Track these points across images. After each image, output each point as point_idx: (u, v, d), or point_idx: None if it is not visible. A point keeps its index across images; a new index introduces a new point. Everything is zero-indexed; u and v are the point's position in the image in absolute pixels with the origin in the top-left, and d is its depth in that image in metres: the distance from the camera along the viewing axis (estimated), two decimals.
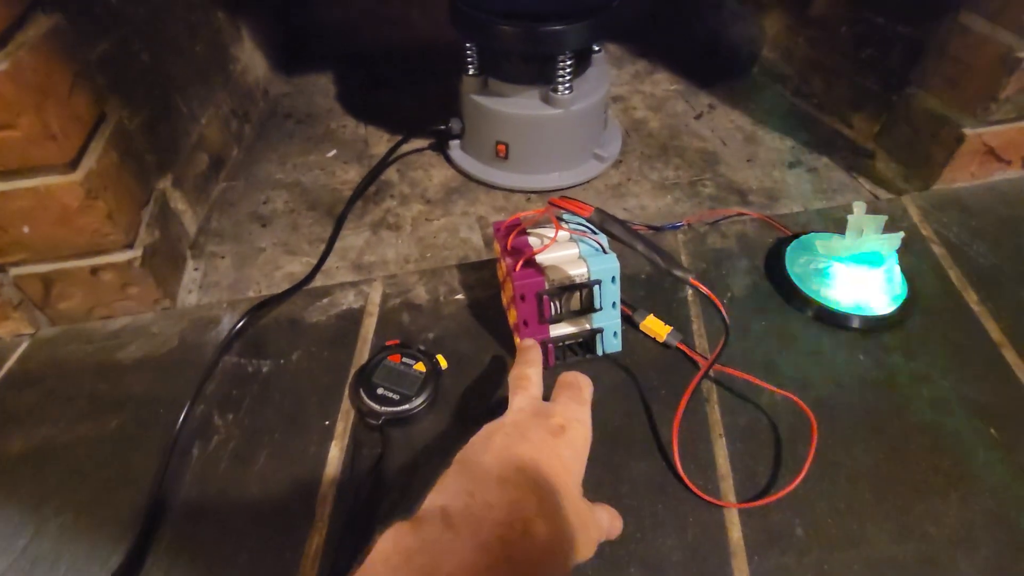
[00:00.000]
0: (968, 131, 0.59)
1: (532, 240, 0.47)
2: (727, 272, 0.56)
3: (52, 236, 0.46)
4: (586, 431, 0.32)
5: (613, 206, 0.68)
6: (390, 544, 0.25)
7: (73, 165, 0.43)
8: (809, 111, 0.80)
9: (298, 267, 0.61)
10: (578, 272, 0.45)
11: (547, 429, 0.30)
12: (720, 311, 0.40)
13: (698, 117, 0.81)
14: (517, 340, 0.47)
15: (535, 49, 0.60)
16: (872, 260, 0.50)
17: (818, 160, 0.73)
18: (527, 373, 0.36)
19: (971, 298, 0.53)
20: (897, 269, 0.51)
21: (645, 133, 0.78)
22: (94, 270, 0.49)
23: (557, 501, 0.27)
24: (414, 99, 0.86)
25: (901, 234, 0.49)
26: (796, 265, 0.54)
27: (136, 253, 0.49)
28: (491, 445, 0.29)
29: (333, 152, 0.76)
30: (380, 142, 0.78)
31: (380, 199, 0.69)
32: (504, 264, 0.47)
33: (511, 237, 0.47)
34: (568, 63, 0.61)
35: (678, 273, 0.39)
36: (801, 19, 0.80)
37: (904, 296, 0.51)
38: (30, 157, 0.41)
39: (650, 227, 0.62)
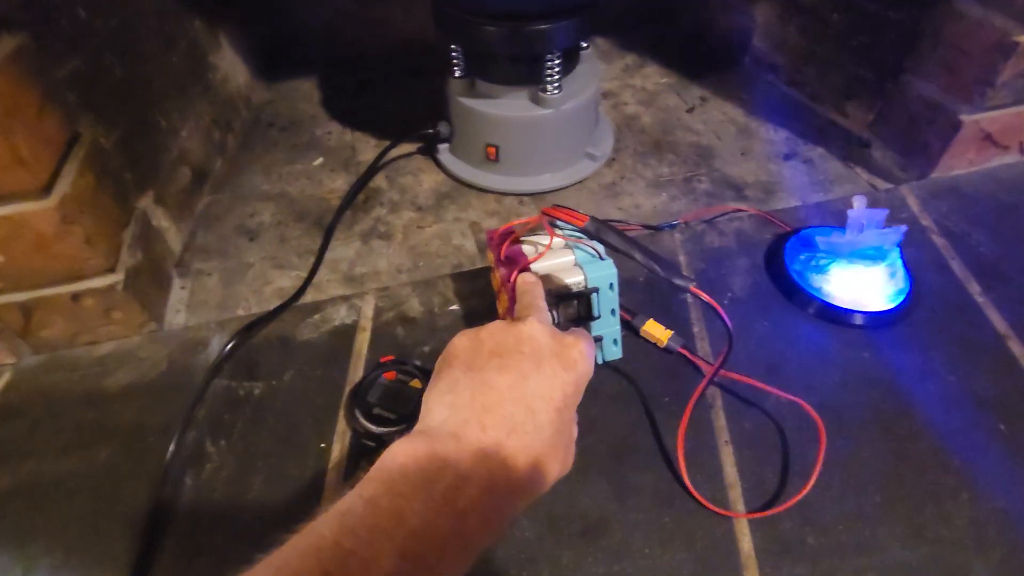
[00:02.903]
0: (965, 117, 0.58)
1: (526, 248, 0.46)
2: (726, 271, 0.55)
3: (29, 264, 0.44)
4: (591, 364, 0.33)
5: (607, 206, 0.66)
6: (412, 459, 0.25)
7: (46, 190, 0.41)
8: (803, 100, 0.79)
9: (288, 281, 0.59)
10: (575, 280, 0.44)
11: (562, 363, 0.30)
12: (722, 318, 0.39)
13: (690, 111, 0.80)
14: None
15: (521, 49, 0.59)
16: (874, 255, 0.49)
17: (813, 151, 0.72)
18: (536, 303, 0.36)
19: (974, 289, 0.52)
20: (899, 263, 0.50)
21: (637, 129, 0.77)
22: (75, 296, 0.48)
23: (559, 441, 0.29)
24: (400, 102, 0.84)
25: (903, 228, 0.48)
26: (796, 262, 0.53)
27: (118, 277, 0.48)
28: (508, 370, 0.29)
29: (319, 160, 0.75)
30: (367, 148, 0.76)
31: (370, 207, 0.67)
32: (498, 274, 0.46)
33: (504, 246, 0.46)
34: (556, 62, 0.60)
35: (678, 281, 0.38)
36: (792, 7, 0.78)
37: (907, 290, 0.50)
38: (0, 184, 0.40)
39: (646, 227, 0.60)
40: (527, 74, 0.62)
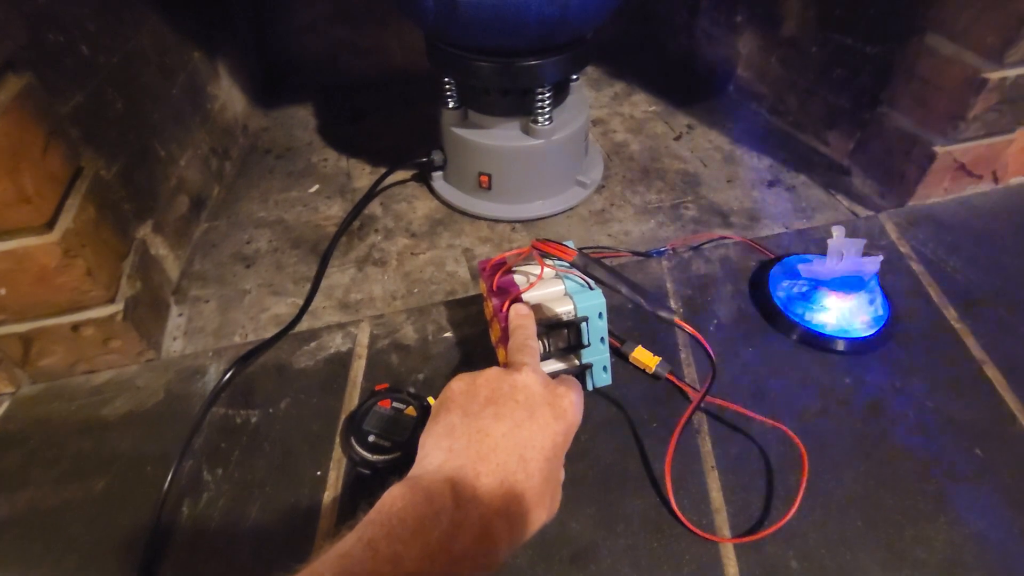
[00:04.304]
0: (939, 149, 0.61)
1: (518, 279, 0.47)
2: (712, 298, 0.56)
3: (30, 296, 0.45)
4: (580, 415, 0.34)
5: (597, 232, 0.68)
6: (409, 506, 0.26)
7: (49, 225, 0.42)
8: (785, 129, 0.82)
9: (284, 308, 0.60)
10: (564, 310, 0.45)
11: (553, 413, 0.32)
12: (706, 349, 0.41)
13: (677, 138, 0.82)
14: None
15: (513, 84, 0.61)
16: (853, 283, 0.51)
17: (796, 178, 0.74)
18: (528, 343, 0.37)
19: (951, 315, 0.54)
20: (878, 291, 0.52)
21: (626, 156, 0.79)
22: (75, 326, 0.48)
23: (547, 489, 0.30)
24: (395, 129, 0.86)
25: (880, 257, 0.50)
26: (779, 289, 0.54)
27: (118, 307, 0.49)
28: (502, 419, 0.30)
29: (315, 187, 0.76)
30: (362, 175, 0.78)
31: (364, 234, 0.69)
32: (491, 304, 0.47)
33: (497, 277, 0.47)
34: (547, 95, 0.62)
35: (663, 315, 0.39)
36: (773, 40, 0.81)
37: (886, 317, 0.52)
38: (4, 221, 0.41)
39: (635, 253, 0.62)
40: (518, 106, 0.64)
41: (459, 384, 0.33)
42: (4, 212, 0.40)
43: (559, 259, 0.41)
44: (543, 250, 0.41)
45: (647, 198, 0.72)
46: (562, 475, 0.33)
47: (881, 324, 0.51)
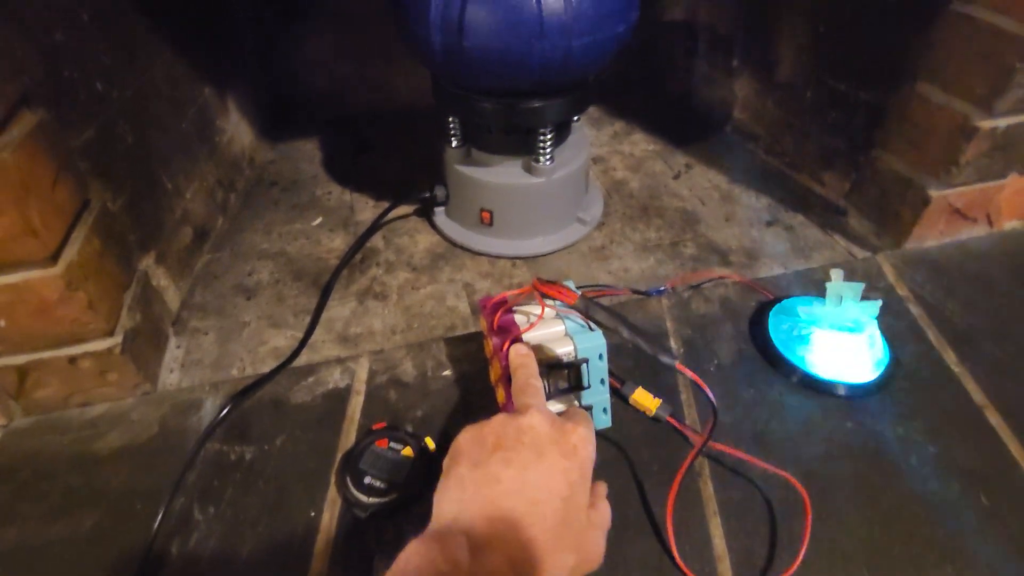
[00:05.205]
0: (933, 192, 0.62)
1: (518, 318, 0.47)
2: (712, 338, 0.56)
3: (29, 328, 0.45)
4: (593, 452, 0.34)
5: (597, 269, 0.68)
6: (423, 562, 0.26)
7: (53, 258, 0.43)
8: (782, 169, 0.83)
9: (283, 341, 0.60)
10: (565, 351, 0.45)
11: (561, 451, 0.32)
12: (706, 393, 0.41)
13: (676, 177, 0.83)
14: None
15: (515, 124, 0.62)
16: (853, 326, 0.51)
17: (794, 218, 0.75)
18: (531, 382, 0.38)
19: (950, 358, 0.54)
20: (877, 334, 0.52)
21: (626, 194, 0.80)
22: (72, 359, 0.48)
23: (567, 531, 0.30)
24: (398, 163, 0.88)
25: (879, 302, 0.50)
26: (779, 331, 0.55)
27: (116, 340, 0.49)
28: (511, 463, 0.30)
29: (319, 220, 0.77)
30: (365, 208, 0.79)
31: (366, 267, 0.69)
32: (491, 343, 0.47)
33: (497, 316, 0.47)
34: (548, 135, 0.63)
35: (664, 359, 0.39)
36: (768, 83, 0.84)
37: (886, 360, 0.52)
38: (9, 253, 0.41)
39: (635, 291, 0.62)
40: (521, 144, 0.65)
41: (466, 436, 0.33)
42: (9, 244, 0.40)
43: (560, 301, 0.41)
44: (545, 292, 0.41)
45: (646, 235, 0.73)
46: (595, 516, 0.33)
47: (882, 368, 0.51)
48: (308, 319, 0.61)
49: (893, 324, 0.57)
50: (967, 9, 0.54)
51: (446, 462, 0.33)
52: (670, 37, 0.97)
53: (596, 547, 0.32)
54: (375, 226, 0.72)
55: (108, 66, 0.55)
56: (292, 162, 0.89)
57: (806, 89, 0.78)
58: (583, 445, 0.32)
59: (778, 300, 0.59)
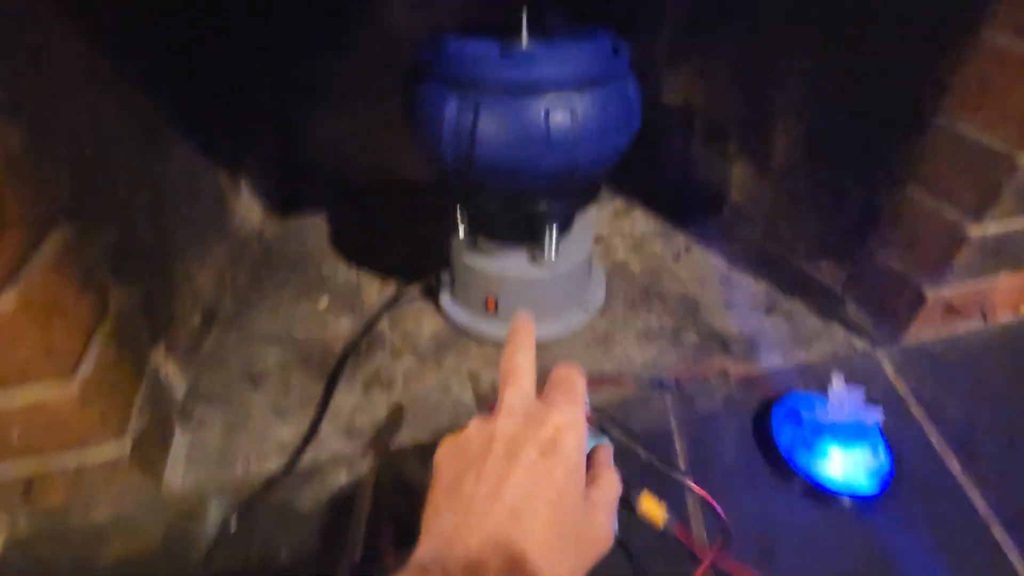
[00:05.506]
0: (929, 291, 0.64)
1: None
2: (716, 441, 0.57)
3: (39, 439, 0.45)
4: (579, 437, 0.31)
5: (600, 356, 0.69)
6: None
7: (70, 374, 0.43)
8: (780, 252, 0.85)
9: (289, 433, 0.60)
10: None
11: (538, 446, 0.29)
12: (717, 512, 0.41)
13: (676, 259, 0.85)
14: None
15: (521, 220, 0.64)
16: (856, 432, 0.52)
17: (792, 304, 0.76)
18: (518, 361, 0.34)
19: (954, 466, 0.54)
20: (880, 440, 0.53)
21: (627, 276, 0.82)
22: (80, 467, 0.48)
23: (560, 533, 0.28)
24: (405, 241, 0.89)
25: (880, 410, 0.51)
26: (783, 435, 0.55)
27: (125, 446, 0.49)
28: (483, 478, 0.28)
29: (326, 301, 0.78)
30: (372, 288, 0.80)
31: (372, 352, 0.70)
32: None
33: None
34: (554, 228, 0.65)
35: (676, 476, 0.40)
36: (764, 169, 0.87)
37: (890, 469, 0.52)
38: (27, 374, 0.42)
39: (639, 384, 0.63)
40: (526, 235, 0.67)
41: (441, 452, 0.31)
42: (28, 366, 0.41)
43: None
44: None
45: (648, 322, 0.74)
46: (600, 491, 0.31)
47: (886, 477, 0.52)
48: (314, 409, 0.62)
49: (895, 427, 0.57)
50: (955, 127, 0.57)
51: (429, 484, 0.31)
52: (667, 119, 1.01)
53: (601, 530, 0.30)
54: (379, 315, 0.73)
55: (133, 170, 0.57)
56: (300, 237, 0.90)
57: (800, 179, 0.80)
58: (564, 435, 0.29)
59: (781, 398, 0.59)
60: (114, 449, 0.48)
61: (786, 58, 0.76)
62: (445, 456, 0.31)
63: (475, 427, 0.31)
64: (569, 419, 0.30)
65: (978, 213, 0.58)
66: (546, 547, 0.27)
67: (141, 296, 0.56)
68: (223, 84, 0.78)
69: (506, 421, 0.30)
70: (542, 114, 0.52)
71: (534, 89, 0.52)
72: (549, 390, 0.34)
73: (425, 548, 0.28)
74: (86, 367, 0.45)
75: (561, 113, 0.53)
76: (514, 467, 0.28)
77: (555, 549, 0.27)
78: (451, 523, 0.27)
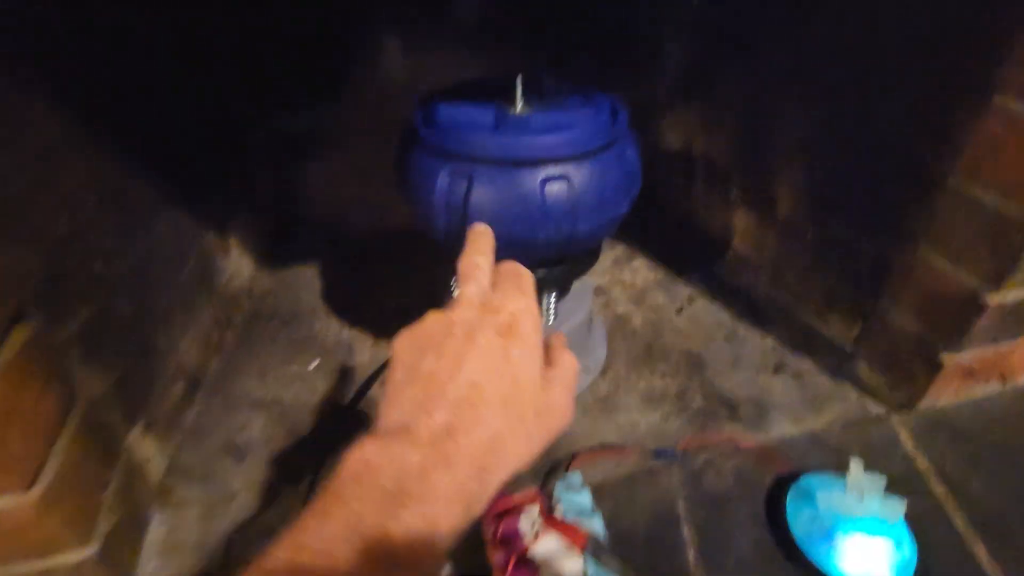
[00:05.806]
0: (945, 356, 0.60)
1: (523, 527, 0.45)
2: (728, 523, 0.53)
3: None
4: (534, 319, 0.33)
5: (603, 423, 0.66)
6: (360, 462, 0.25)
7: (30, 484, 0.40)
8: (786, 304, 0.82)
9: (275, 518, 0.57)
10: (573, 569, 0.42)
11: (496, 329, 0.30)
12: None
13: (679, 311, 0.83)
14: None
15: None
16: (877, 525, 0.48)
17: (802, 362, 0.73)
18: (477, 262, 0.35)
19: (981, 553, 0.51)
20: (905, 532, 0.49)
21: (629, 332, 0.79)
22: (44, 571, 0.45)
23: (518, 411, 0.29)
24: (398, 294, 0.86)
25: (903, 505, 0.48)
26: (799, 522, 0.52)
27: (93, 549, 0.45)
28: (443, 356, 0.29)
29: (316, 362, 0.75)
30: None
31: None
32: (493, 559, 0.44)
33: (501, 524, 0.45)
34: (552, 298, 0.62)
35: None
36: (768, 217, 0.84)
37: (915, 561, 0.49)
38: None
39: (644, 452, 0.60)
40: None
41: (399, 341, 0.31)
42: None
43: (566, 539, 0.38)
44: (552, 528, 0.39)
45: (652, 383, 0.71)
46: (557, 371, 0.33)
47: (911, 570, 0.48)
48: (301, 489, 0.58)
49: (918, 507, 0.53)
50: (969, 190, 0.55)
51: (387, 371, 0.31)
52: (668, 164, 0.99)
53: (560, 406, 0.32)
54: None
55: (109, 247, 0.54)
56: (291, 291, 0.88)
57: (807, 229, 0.78)
58: (520, 320, 0.31)
59: (794, 476, 0.56)
60: (80, 554, 0.45)
61: (789, 107, 0.74)
62: (403, 343, 0.31)
63: (432, 317, 0.32)
64: (523, 305, 0.33)
65: (997, 281, 0.55)
66: (506, 418, 0.28)
67: (117, 375, 0.53)
68: (213, 139, 0.76)
69: (464, 309, 0.31)
70: (538, 186, 0.50)
71: (530, 161, 0.50)
72: (500, 282, 0.35)
73: (388, 419, 0.28)
74: (48, 474, 0.41)
75: (558, 184, 0.50)
76: (473, 347, 0.29)
77: (514, 420, 0.28)
78: (412, 397, 0.28)
